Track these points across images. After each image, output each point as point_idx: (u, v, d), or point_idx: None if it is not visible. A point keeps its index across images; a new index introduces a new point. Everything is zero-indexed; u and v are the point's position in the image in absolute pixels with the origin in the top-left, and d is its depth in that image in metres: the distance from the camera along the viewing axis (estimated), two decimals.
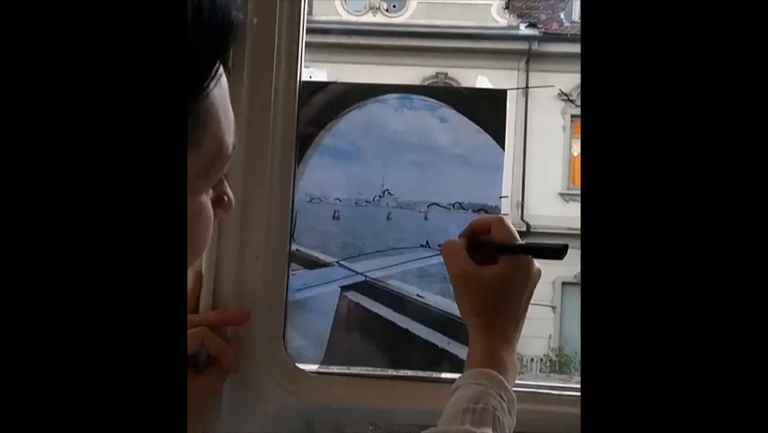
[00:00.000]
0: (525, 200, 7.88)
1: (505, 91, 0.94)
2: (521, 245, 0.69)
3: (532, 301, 0.71)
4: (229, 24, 0.41)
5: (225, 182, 0.49)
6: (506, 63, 8.13)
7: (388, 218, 0.92)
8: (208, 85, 0.41)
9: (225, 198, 0.49)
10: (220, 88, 0.42)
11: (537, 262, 0.70)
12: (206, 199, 0.46)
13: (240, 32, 0.42)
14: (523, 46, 8.33)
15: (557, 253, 0.67)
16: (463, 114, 0.92)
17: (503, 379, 0.64)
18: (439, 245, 0.76)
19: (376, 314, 0.92)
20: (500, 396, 0.63)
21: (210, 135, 0.43)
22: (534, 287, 0.70)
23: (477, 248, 0.71)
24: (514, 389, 0.67)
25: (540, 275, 0.70)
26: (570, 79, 7.17)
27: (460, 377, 0.66)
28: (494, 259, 0.70)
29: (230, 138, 0.45)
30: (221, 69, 0.42)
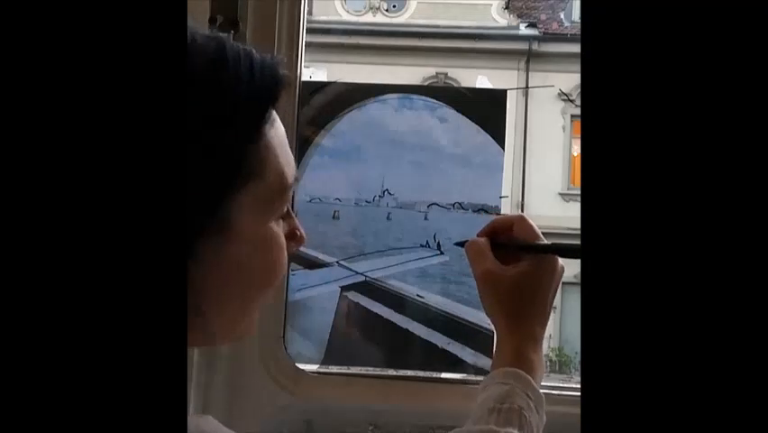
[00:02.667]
0: (525, 200, 7.87)
1: (505, 91, 0.94)
2: (546, 245, 0.68)
3: None
4: (276, 80, 0.49)
5: (295, 219, 0.55)
6: (506, 63, 8.12)
7: (388, 218, 0.92)
8: (263, 128, 0.48)
9: (297, 233, 0.54)
10: (276, 129, 0.50)
11: (561, 259, 0.69)
12: (277, 228, 0.51)
13: (285, 85, 0.50)
14: (523, 46, 8.32)
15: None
16: (463, 114, 0.92)
17: (530, 378, 0.64)
18: (457, 244, 0.74)
19: (376, 314, 0.92)
20: (527, 395, 0.63)
21: (270, 168, 0.49)
22: (559, 284, 0.69)
23: (499, 246, 0.70)
24: None
25: (563, 272, 0.69)
26: (570, 79, 7.16)
27: (487, 377, 0.66)
28: (516, 257, 0.69)
29: (290, 171, 0.51)
30: (274, 114, 0.50)
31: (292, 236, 0.54)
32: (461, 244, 0.72)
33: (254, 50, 0.49)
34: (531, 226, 0.69)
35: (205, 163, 0.44)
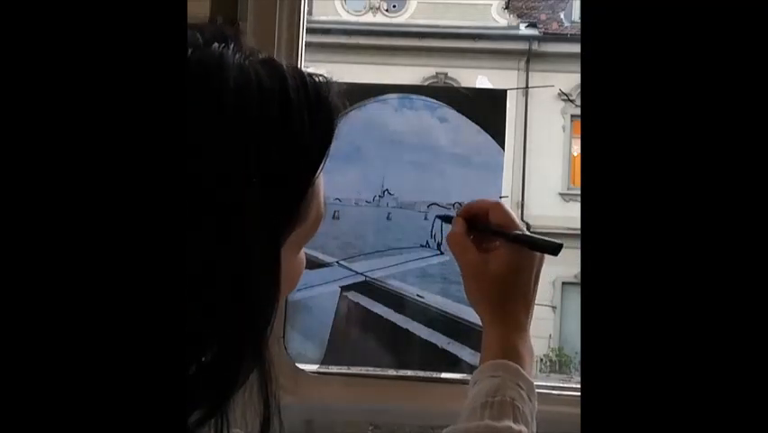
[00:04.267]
0: (525, 200, 7.87)
1: (505, 91, 0.94)
2: (517, 235, 0.68)
3: None
4: (334, 118, 0.48)
5: None
6: (506, 63, 8.11)
7: (388, 218, 0.92)
8: (320, 172, 0.49)
9: None
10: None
11: None
12: (302, 250, 0.53)
13: (340, 119, 0.49)
14: (523, 46, 8.32)
15: (551, 249, 0.66)
16: (463, 114, 0.92)
17: (519, 367, 0.64)
18: (439, 217, 0.74)
19: (376, 314, 0.92)
20: (518, 385, 0.63)
21: (314, 208, 0.51)
22: (540, 269, 0.69)
23: (474, 230, 0.70)
24: None
25: (543, 259, 0.69)
26: (570, 79, 7.16)
27: (476, 371, 0.66)
28: (492, 242, 0.69)
29: (323, 202, 0.52)
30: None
31: None
32: (444, 218, 0.72)
33: (305, 75, 0.48)
34: (506, 213, 0.69)
35: (263, 217, 0.45)
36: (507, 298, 0.68)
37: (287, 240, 0.48)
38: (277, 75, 0.46)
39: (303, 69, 0.49)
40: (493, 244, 0.69)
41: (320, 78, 0.49)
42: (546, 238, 0.67)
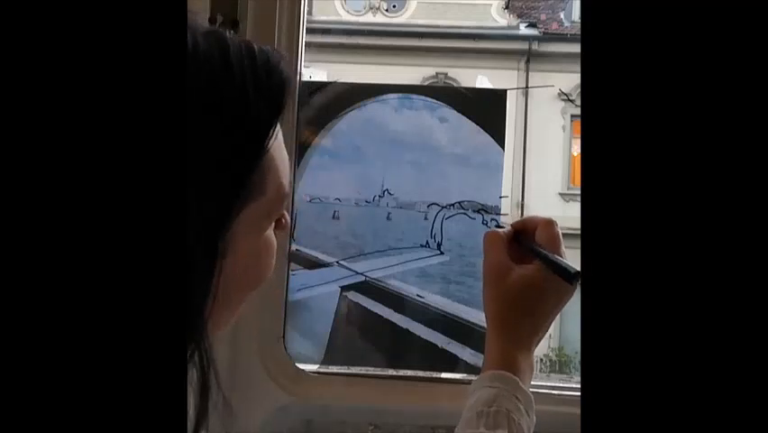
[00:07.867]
0: (525, 200, 7.86)
1: (505, 91, 0.94)
2: (538, 252, 0.66)
3: None
4: (283, 87, 0.47)
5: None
6: (506, 63, 8.10)
7: (388, 218, 0.92)
8: (269, 142, 0.46)
9: (282, 220, 0.53)
10: (277, 141, 0.48)
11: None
12: (270, 233, 0.50)
13: (291, 90, 0.48)
14: (523, 46, 8.31)
15: (566, 274, 0.63)
16: (463, 114, 0.92)
17: (518, 380, 0.63)
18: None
19: (376, 314, 0.92)
20: (515, 397, 0.62)
21: (271, 183, 0.48)
22: (564, 302, 0.66)
23: (516, 242, 0.69)
24: None
25: (571, 293, 0.66)
26: (570, 79, 7.15)
27: (475, 380, 0.65)
28: (530, 259, 0.67)
29: (287, 180, 0.49)
30: (278, 126, 0.47)
31: (277, 224, 0.52)
32: (499, 228, 0.73)
33: (255, 47, 0.46)
34: (552, 235, 0.67)
35: (208, 187, 0.42)
36: (517, 313, 0.66)
37: (241, 215, 0.45)
38: (217, 42, 0.44)
39: (253, 42, 0.47)
40: (531, 261, 0.67)
41: (271, 48, 0.47)
42: (567, 263, 0.64)
